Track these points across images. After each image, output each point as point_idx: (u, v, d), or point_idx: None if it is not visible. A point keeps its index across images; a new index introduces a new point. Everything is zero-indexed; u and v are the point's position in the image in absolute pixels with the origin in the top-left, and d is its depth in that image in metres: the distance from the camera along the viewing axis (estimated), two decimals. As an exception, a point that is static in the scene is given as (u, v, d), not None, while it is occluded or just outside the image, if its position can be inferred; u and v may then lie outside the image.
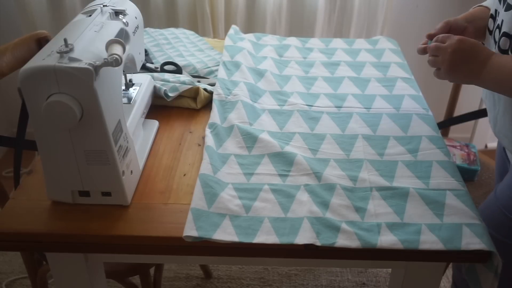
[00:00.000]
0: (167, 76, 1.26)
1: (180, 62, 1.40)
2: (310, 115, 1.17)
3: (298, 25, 2.11)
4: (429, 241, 0.84)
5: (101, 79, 0.80)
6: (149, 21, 2.07)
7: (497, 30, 0.98)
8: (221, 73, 1.30)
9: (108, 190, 0.89)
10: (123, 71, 1.07)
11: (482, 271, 0.89)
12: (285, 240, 0.84)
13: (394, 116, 1.16)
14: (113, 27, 0.93)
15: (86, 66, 0.76)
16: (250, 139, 1.06)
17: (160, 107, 1.20)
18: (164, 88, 1.19)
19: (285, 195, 0.93)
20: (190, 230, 0.84)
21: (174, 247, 0.86)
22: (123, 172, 0.89)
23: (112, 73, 0.85)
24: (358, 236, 0.84)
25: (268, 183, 0.95)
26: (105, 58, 0.78)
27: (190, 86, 1.20)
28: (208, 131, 1.08)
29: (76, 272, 0.94)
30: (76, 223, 0.87)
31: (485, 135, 2.42)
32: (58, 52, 0.77)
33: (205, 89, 1.23)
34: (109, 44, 0.82)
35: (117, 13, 0.99)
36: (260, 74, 1.33)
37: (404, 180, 0.97)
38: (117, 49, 0.80)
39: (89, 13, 0.95)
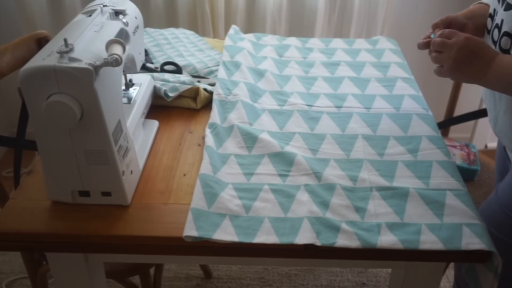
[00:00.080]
0: (167, 76, 1.26)
1: (180, 62, 1.40)
2: (310, 115, 1.17)
3: (298, 25, 2.11)
4: (429, 241, 0.84)
5: (101, 79, 0.80)
6: (149, 21, 2.07)
7: (496, 29, 0.98)
8: (221, 73, 1.30)
9: (108, 190, 0.89)
10: (123, 71, 1.07)
11: (482, 271, 0.89)
12: (285, 240, 0.84)
13: (394, 116, 1.16)
14: (113, 27, 0.93)
15: (86, 66, 0.76)
16: (250, 139, 1.06)
17: (160, 107, 1.20)
18: (164, 88, 1.19)
19: (285, 195, 0.93)
20: (190, 230, 0.84)
21: (174, 247, 0.86)
22: (123, 172, 0.89)
23: (112, 73, 0.85)
24: (358, 236, 0.84)
25: (268, 183, 0.95)
26: (105, 58, 0.78)
27: (190, 86, 1.20)
28: (208, 131, 1.08)
29: (76, 272, 0.94)
30: (76, 223, 0.87)
31: (485, 135, 2.42)
32: (58, 52, 0.77)
33: (205, 89, 1.23)
34: (109, 44, 0.82)
35: (117, 13, 0.99)
36: (260, 74, 1.33)
37: (404, 180, 0.97)
38: (117, 49, 0.81)
39: (89, 13, 0.95)
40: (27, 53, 1.20)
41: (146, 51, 1.45)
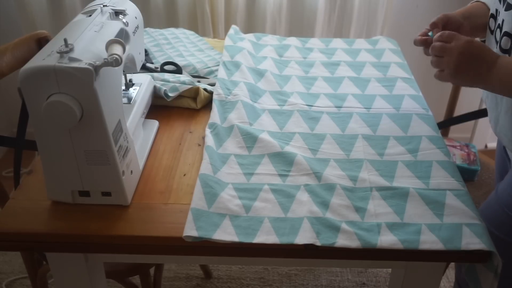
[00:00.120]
0: (167, 76, 1.26)
1: (180, 62, 1.40)
2: (310, 115, 1.17)
3: (298, 25, 2.11)
4: (429, 241, 0.84)
5: (101, 79, 0.80)
6: (149, 21, 2.07)
7: (498, 30, 0.98)
8: (221, 73, 1.30)
9: (108, 190, 0.89)
10: (123, 71, 1.07)
11: (482, 271, 0.89)
12: (285, 240, 0.84)
13: (394, 116, 1.16)
14: (113, 27, 0.93)
15: (86, 66, 0.76)
16: (250, 139, 1.06)
17: (160, 107, 1.20)
18: (164, 88, 1.19)
19: (285, 195, 0.93)
20: (190, 230, 0.84)
21: (174, 247, 0.86)
22: (123, 172, 0.89)
23: (112, 73, 0.85)
24: (358, 236, 0.84)
25: (268, 183, 0.95)
26: (105, 58, 0.78)
27: (190, 86, 1.20)
28: (208, 131, 1.08)
29: (76, 272, 0.94)
30: (76, 223, 0.87)
31: (485, 135, 2.42)
32: (58, 52, 0.77)
33: (205, 89, 1.23)
34: (109, 44, 0.82)
35: (117, 13, 0.99)
36: (260, 74, 1.33)
37: (404, 180, 0.97)
38: (117, 49, 0.81)
39: (89, 13, 0.95)
40: (27, 53, 1.20)
41: (146, 51, 1.45)
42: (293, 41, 1.56)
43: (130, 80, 1.13)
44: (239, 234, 0.85)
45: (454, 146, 1.68)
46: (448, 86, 1.70)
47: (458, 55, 0.89)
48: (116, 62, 0.78)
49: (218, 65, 1.37)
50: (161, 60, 1.43)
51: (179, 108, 1.22)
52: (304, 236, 0.84)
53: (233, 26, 1.60)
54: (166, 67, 1.37)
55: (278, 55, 1.46)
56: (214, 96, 1.20)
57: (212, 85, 1.27)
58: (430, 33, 1.06)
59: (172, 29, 1.65)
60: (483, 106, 1.50)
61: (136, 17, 1.05)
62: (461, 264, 1.10)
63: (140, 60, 1.11)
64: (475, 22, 1.10)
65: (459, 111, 1.75)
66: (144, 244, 0.86)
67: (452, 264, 1.65)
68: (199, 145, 1.08)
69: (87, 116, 0.80)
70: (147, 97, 1.13)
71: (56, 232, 0.86)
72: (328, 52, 1.49)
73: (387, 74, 1.36)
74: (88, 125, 0.81)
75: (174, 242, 0.85)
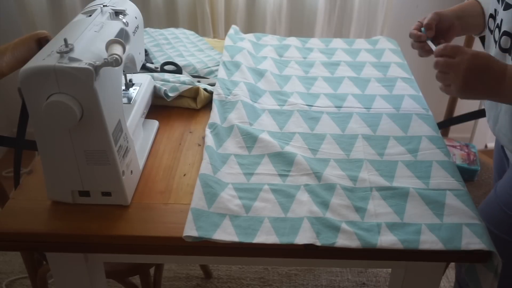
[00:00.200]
0: (167, 76, 1.26)
1: (180, 62, 1.40)
2: (310, 115, 1.17)
3: (298, 25, 2.11)
4: (429, 241, 0.84)
5: (101, 79, 0.80)
6: (149, 21, 2.07)
7: (497, 29, 0.98)
8: (221, 73, 1.30)
9: (108, 190, 0.89)
10: (123, 71, 1.07)
11: (482, 271, 0.89)
12: (285, 240, 0.84)
13: (394, 116, 1.16)
14: (113, 27, 0.93)
15: (86, 66, 0.76)
16: (250, 139, 1.06)
17: (160, 107, 1.20)
18: (164, 88, 1.19)
19: (285, 195, 0.93)
20: (190, 230, 0.84)
21: (174, 247, 0.86)
22: (123, 172, 0.89)
23: (112, 73, 0.85)
24: (358, 236, 0.84)
25: (268, 183, 0.95)
26: (105, 58, 0.78)
27: (190, 86, 1.20)
28: (208, 131, 1.08)
29: (76, 272, 0.94)
30: (76, 223, 0.87)
31: (485, 135, 2.42)
32: (58, 52, 0.77)
33: (205, 89, 1.23)
34: (109, 44, 0.82)
35: (117, 13, 0.99)
36: (260, 74, 1.33)
37: (404, 180, 0.97)
38: (117, 49, 0.81)
39: (89, 13, 0.95)
40: (27, 53, 1.20)
41: (146, 51, 1.45)
42: (293, 41, 1.56)
43: (130, 80, 1.13)
44: (239, 234, 0.85)
45: (454, 146, 1.68)
46: (448, 86, 1.70)
47: (464, 71, 0.85)
48: (116, 62, 0.78)
49: (218, 65, 1.37)
50: (161, 60, 1.43)
51: (179, 108, 1.21)
52: (304, 236, 0.84)
53: (233, 26, 1.60)
54: (166, 67, 1.37)
55: (278, 55, 1.46)
56: (214, 96, 1.20)
57: (212, 85, 1.27)
58: (422, 29, 1.07)
59: (172, 29, 1.65)
60: (483, 106, 1.50)
61: (136, 17, 1.05)
62: (461, 264, 1.11)
63: (140, 60, 1.11)
64: (468, 22, 1.10)
65: (459, 111, 1.75)
66: (144, 244, 0.86)
67: (452, 264, 1.65)
68: (199, 145, 1.08)
69: (87, 116, 0.80)
70: (147, 97, 1.13)
71: (56, 232, 0.86)
72: (328, 52, 1.49)
73: (387, 74, 1.36)
74: (88, 125, 0.81)
75: (174, 242, 0.85)
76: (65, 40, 0.79)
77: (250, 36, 1.55)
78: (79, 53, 0.79)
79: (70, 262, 0.93)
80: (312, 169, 0.98)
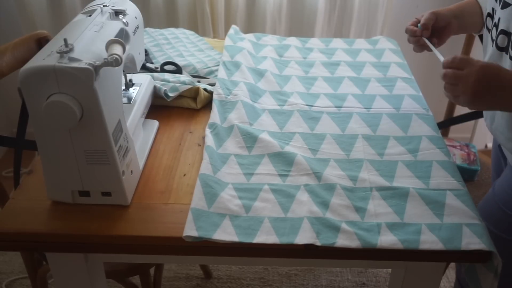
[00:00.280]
0: (167, 76, 1.26)
1: (180, 62, 1.40)
2: (310, 115, 1.17)
3: (298, 25, 2.11)
4: (429, 241, 0.84)
5: (101, 79, 0.80)
6: (149, 21, 2.07)
7: (494, 28, 0.98)
8: (221, 73, 1.30)
9: (108, 190, 0.89)
10: (123, 71, 1.07)
11: (482, 271, 0.89)
12: (285, 240, 0.84)
13: (394, 116, 1.16)
14: (113, 27, 0.93)
15: (86, 66, 0.76)
16: (250, 139, 1.06)
17: (160, 107, 1.20)
18: (164, 88, 1.19)
19: (285, 195, 0.93)
20: (190, 230, 0.84)
21: (174, 247, 0.86)
22: (123, 172, 0.89)
23: (112, 73, 0.85)
24: (358, 236, 0.84)
25: (268, 183, 0.95)
26: (105, 58, 0.78)
27: (190, 86, 1.20)
28: (208, 131, 1.08)
29: (76, 272, 0.94)
30: (76, 223, 0.87)
31: (485, 135, 2.42)
32: (58, 52, 0.77)
33: (205, 89, 1.23)
34: (109, 44, 0.82)
35: (117, 13, 0.99)
36: (260, 74, 1.33)
37: (404, 180, 0.97)
38: (117, 49, 0.80)
39: (89, 13, 0.95)
40: (27, 53, 1.20)
41: (146, 51, 1.45)
42: (293, 41, 1.56)
43: (130, 80, 1.13)
44: (239, 234, 0.85)
45: (454, 146, 1.68)
46: (448, 86, 1.70)
47: (474, 83, 0.84)
48: (116, 62, 0.78)
49: (218, 65, 1.37)
50: (161, 60, 1.43)
51: (179, 108, 1.21)
52: (304, 236, 0.84)
53: (233, 26, 1.60)
54: (166, 67, 1.37)
55: (278, 55, 1.46)
56: (214, 96, 1.20)
57: (212, 85, 1.27)
58: (419, 25, 1.08)
59: (172, 29, 1.65)
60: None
61: (136, 17, 1.05)
62: (461, 263, 1.11)
63: (140, 60, 1.11)
64: (465, 21, 1.11)
65: (459, 111, 1.75)
66: (144, 244, 0.86)
67: (452, 264, 1.65)
68: (199, 145, 1.08)
69: (87, 116, 0.80)
70: (147, 97, 1.13)
71: (56, 232, 0.86)
72: (328, 52, 1.49)
73: (387, 74, 1.36)
74: (88, 125, 0.81)
75: (174, 242, 0.85)
76: (65, 40, 0.79)
77: (250, 36, 1.55)
78: (79, 53, 0.79)
79: (70, 262, 0.93)
80: (312, 169, 0.98)
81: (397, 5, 2.11)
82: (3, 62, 1.14)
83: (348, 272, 1.85)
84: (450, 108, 1.76)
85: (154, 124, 1.14)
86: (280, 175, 0.98)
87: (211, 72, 1.36)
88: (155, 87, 1.19)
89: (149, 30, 1.64)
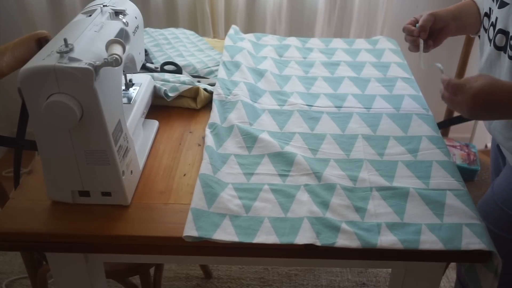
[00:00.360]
0: (167, 76, 1.26)
1: (180, 62, 1.40)
2: (310, 115, 1.17)
3: (298, 25, 2.11)
4: (429, 241, 0.84)
5: (101, 79, 0.80)
6: (149, 21, 2.07)
7: (491, 27, 0.98)
8: (221, 73, 1.30)
9: (108, 190, 0.89)
10: (123, 71, 1.07)
11: (482, 271, 0.89)
12: (285, 240, 0.84)
13: (394, 116, 1.16)
14: (113, 27, 0.93)
15: (86, 66, 0.76)
16: (250, 139, 1.06)
17: (160, 107, 1.20)
18: (164, 88, 1.19)
19: (285, 195, 0.93)
20: (190, 230, 0.84)
21: (174, 247, 0.86)
22: (123, 172, 0.89)
23: (112, 73, 0.85)
24: (358, 236, 0.84)
25: (268, 183, 0.95)
26: (105, 58, 0.78)
27: (190, 86, 1.20)
28: (208, 131, 1.08)
29: (76, 272, 0.94)
30: (76, 223, 0.87)
31: (485, 135, 2.42)
32: (58, 52, 0.77)
33: (205, 89, 1.23)
34: (109, 44, 0.82)
35: (117, 13, 0.99)
36: (260, 74, 1.33)
37: (404, 180, 0.97)
38: (117, 49, 0.80)
39: (89, 13, 0.95)
40: (27, 53, 1.20)
41: (146, 51, 1.45)
42: (293, 41, 1.56)
43: (130, 80, 1.13)
44: (239, 234, 0.85)
45: (454, 146, 1.68)
46: (448, 86, 1.70)
47: (468, 109, 0.87)
48: (116, 62, 0.78)
49: (218, 65, 1.37)
50: (161, 60, 1.43)
51: (179, 108, 1.21)
52: (304, 236, 0.84)
53: (233, 26, 1.60)
54: (166, 67, 1.37)
55: (278, 55, 1.46)
56: (214, 96, 1.20)
57: (212, 85, 1.27)
58: (417, 25, 1.09)
59: (172, 29, 1.65)
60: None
61: (136, 17, 1.05)
62: (461, 263, 1.11)
63: (140, 60, 1.11)
64: (463, 22, 1.11)
65: (459, 111, 1.75)
66: (144, 244, 0.86)
67: (452, 264, 1.65)
68: (199, 145, 1.08)
69: (87, 116, 0.80)
70: (147, 97, 1.13)
71: (56, 232, 0.86)
72: (328, 52, 1.49)
73: (387, 74, 1.36)
74: (88, 125, 0.81)
75: (174, 242, 0.85)
76: (65, 40, 0.79)
77: (250, 36, 1.55)
78: (79, 53, 0.79)
79: (70, 262, 0.93)
80: (312, 169, 0.98)
81: (397, 5, 2.11)
82: (3, 62, 1.14)
83: (348, 272, 1.85)
84: (450, 108, 1.76)
85: (154, 124, 1.14)
86: (280, 175, 0.98)
87: (211, 72, 1.36)
88: (155, 87, 1.19)
89: (149, 30, 1.64)
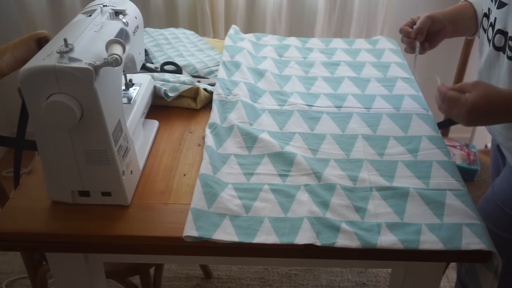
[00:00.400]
0: (167, 76, 1.26)
1: (180, 62, 1.40)
2: (310, 115, 1.17)
3: (298, 25, 2.11)
4: (429, 241, 0.84)
5: (101, 79, 0.80)
6: (149, 21, 2.07)
7: (490, 28, 0.98)
8: (221, 73, 1.30)
9: (108, 190, 0.89)
10: (123, 71, 1.07)
11: (482, 271, 0.89)
12: (285, 240, 0.84)
13: (394, 116, 1.16)
14: (113, 27, 0.93)
15: (86, 66, 0.76)
16: (250, 139, 1.06)
17: (160, 107, 1.20)
18: (164, 88, 1.19)
19: (285, 195, 0.93)
20: (190, 230, 0.84)
21: (174, 247, 0.86)
22: (123, 172, 0.89)
23: (112, 73, 0.85)
24: (358, 236, 0.84)
25: (268, 183, 0.95)
26: (105, 58, 0.78)
27: (190, 86, 1.20)
28: (208, 131, 1.08)
29: (76, 272, 0.94)
30: (76, 223, 0.87)
31: (485, 135, 2.42)
32: (58, 52, 0.77)
33: (205, 89, 1.23)
34: (109, 44, 0.82)
35: (117, 13, 0.99)
36: (260, 74, 1.33)
37: (404, 180, 0.97)
38: (117, 49, 0.80)
39: (89, 13, 0.95)
40: (27, 53, 1.20)
41: (146, 51, 1.45)
42: (293, 41, 1.56)
43: (130, 80, 1.13)
44: (239, 234, 0.85)
45: (454, 146, 1.68)
46: (448, 86, 1.70)
47: (466, 122, 0.89)
48: (116, 62, 0.78)
49: (218, 65, 1.37)
50: (161, 60, 1.43)
51: (179, 108, 1.22)
52: (304, 236, 0.84)
53: (233, 26, 1.60)
54: (166, 67, 1.37)
55: (278, 55, 1.46)
56: (214, 96, 1.20)
57: (212, 85, 1.27)
58: (414, 27, 1.10)
59: (172, 29, 1.65)
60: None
61: (136, 17, 1.05)
62: (461, 263, 1.11)
63: (140, 60, 1.11)
64: (460, 24, 1.12)
65: (459, 111, 1.75)
66: (144, 244, 0.86)
67: (452, 264, 1.65)
68: (199, 145, 1.08)
69: (87, 116, 0.80)
70: (147, 97, 1.13)
71: (56, 232, 0.86)
72: (328, 52, 1.49)
73: (387, 74, 1.36)
74: (88, 125, 0.81)
75: (174, 242, 0.85)
76: (65, 40, 0.79)
77: (250, 36, 1.55)
78: (79, 53, 0.79)
79: (70, 262, 0.93)
80: (312, 169, 0.98)
81: (397, 5, 2.11)
82: (3, 62, 1.14)
83: (348, 272, 1.85)
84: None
85: (154, 124, 1.14)
86: (280, 175, 0.98)
87: (211, 72, 1.36)
88: (155, 87, 1.19)
89: (149, 30, 1.64)
